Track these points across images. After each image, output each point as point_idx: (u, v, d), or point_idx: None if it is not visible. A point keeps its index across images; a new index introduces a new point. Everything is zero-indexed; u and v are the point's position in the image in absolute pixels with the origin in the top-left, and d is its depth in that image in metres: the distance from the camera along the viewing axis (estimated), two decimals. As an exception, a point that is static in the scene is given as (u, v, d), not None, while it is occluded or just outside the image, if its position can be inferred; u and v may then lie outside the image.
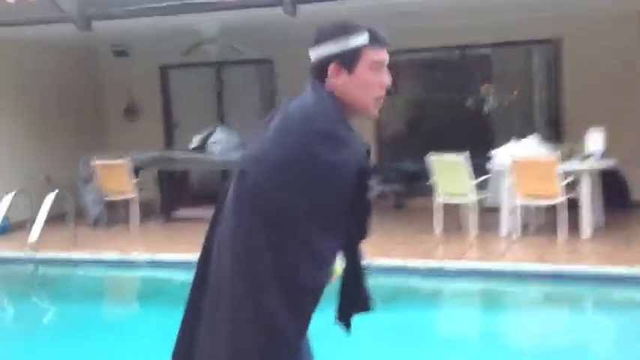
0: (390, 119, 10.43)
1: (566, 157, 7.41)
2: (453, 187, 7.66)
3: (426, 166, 7.79)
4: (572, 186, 7.23)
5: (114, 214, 9.36)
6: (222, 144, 9.37)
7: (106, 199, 9.18)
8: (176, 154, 9.64)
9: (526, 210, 7.63)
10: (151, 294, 6.98)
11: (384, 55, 2.04)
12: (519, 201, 7.31)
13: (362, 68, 2.00)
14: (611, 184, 8.26)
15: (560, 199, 7.04)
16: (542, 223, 7.86)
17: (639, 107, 8.78)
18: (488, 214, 8.05)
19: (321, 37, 2.03)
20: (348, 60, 2.00)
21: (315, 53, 2.04)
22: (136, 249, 7.74)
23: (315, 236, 1.89)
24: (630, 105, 8.83)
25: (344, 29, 2.01)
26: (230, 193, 2.01)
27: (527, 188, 7.21)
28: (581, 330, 5.30)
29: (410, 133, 10.75)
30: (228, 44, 9.05)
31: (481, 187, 7.79)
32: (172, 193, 9.62)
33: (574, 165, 7.31)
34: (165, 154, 9.60)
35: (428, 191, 8.00)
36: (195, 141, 9.55)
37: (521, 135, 7.99)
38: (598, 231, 7.36)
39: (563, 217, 7.08)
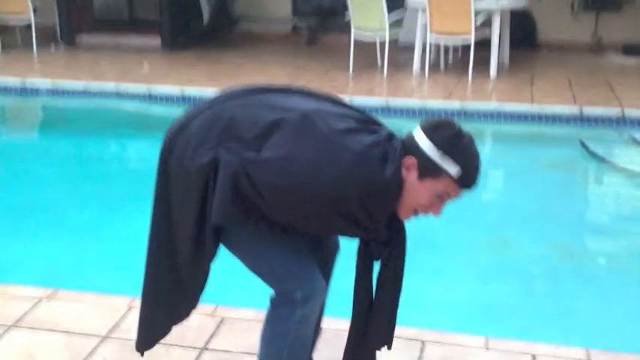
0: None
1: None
2: (368, 22, 7.56)
3: (342, 0, 7.62)
4: (483, 25, 7.28)
5: (10, 38, 8.82)
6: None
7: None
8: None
9: (437, 48, 7.68)
10: (53, 122, 6.79)
11: (457, 194, 1.89)
12: (432, 37, 7.32)
13: (430, 186, 1.86)
14: (520, 24, 8.38)
15: (472, 36, 7.09)
16: (451, 61, 7.97)
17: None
18: (403, 51, 8.08)
19: (431, 133, 1.85)
20: (427, 170, 1.84)
21: (418, 135, 1.87)
22: (36, 76, 7.39)
23: None
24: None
25: (449, 147, 1.83)
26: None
27: (441, 24, 7.20)
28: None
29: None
30: None
31: (396, 24, 7.73)
32: (73, 17, 9.07)
33: (487, 3, 7.30)
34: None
35: (342, 27, 7.87)
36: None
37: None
38: (503, 70, 7.53)
39: (472, 55, 7.17)
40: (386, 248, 2.02)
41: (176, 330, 2.65)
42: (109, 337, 2.65)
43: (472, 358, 2.54)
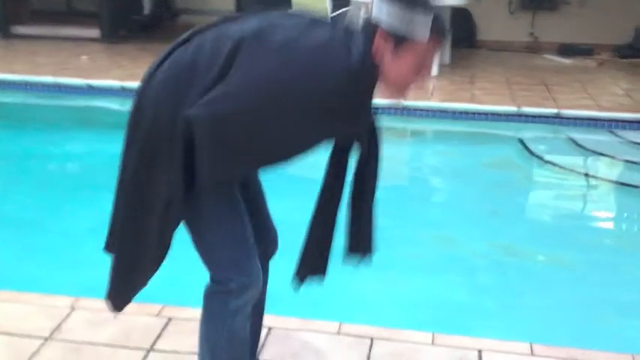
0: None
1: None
2: (311, 17, 7.56)
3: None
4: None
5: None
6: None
7: None
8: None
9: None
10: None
11: (437, 48, 1.85)
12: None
13: (409, 57, 1.82)
14: (459, 24, 8.52)
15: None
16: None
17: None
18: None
19: None
20: (400, 40, 1.80)
21: (377, 6, 1.80)
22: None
23: None
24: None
25: (412, 2, 1.77)
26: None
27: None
28: (421, 159, 5.66)
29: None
30: None
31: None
32: (9, 7, 8.79)
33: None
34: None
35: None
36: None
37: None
38: (444, 69, 7.65)
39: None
40: (365, 143, 2.03)
41: (121, 330, 2.62)
42: (52, 339, 2.58)
43: (420, 353, 2.58)
